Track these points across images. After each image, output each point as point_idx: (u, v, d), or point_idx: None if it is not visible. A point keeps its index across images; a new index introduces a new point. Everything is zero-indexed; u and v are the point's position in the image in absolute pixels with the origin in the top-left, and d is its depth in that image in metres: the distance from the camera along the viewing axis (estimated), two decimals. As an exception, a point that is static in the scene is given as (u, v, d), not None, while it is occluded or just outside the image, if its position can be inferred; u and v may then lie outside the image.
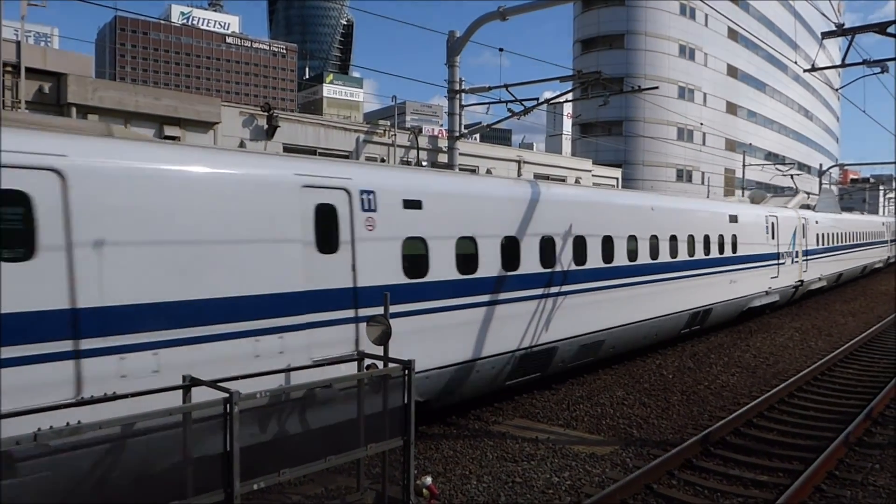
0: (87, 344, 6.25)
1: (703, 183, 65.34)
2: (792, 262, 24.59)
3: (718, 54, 73.41)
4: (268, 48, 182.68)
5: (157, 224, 6.78)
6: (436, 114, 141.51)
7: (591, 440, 10.44)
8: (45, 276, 6.03)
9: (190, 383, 6.33)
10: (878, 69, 17.40)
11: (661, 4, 65.81)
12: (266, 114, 23.84)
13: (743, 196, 37.28)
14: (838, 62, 16.56)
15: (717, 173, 69.93)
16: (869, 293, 32.27)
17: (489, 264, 10.82)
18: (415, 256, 9.54)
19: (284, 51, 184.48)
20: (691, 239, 17.27)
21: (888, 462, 9.27)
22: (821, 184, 56.71)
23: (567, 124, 65.37)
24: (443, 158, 28.90)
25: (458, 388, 10.63)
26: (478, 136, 32.45)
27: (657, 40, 66.62)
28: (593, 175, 41.77)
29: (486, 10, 18.58)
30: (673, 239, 16.42)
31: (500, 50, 23.00)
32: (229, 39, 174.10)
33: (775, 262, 22.85)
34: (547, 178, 33.65)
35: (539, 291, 11.98)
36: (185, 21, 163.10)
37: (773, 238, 22.69)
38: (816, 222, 28.15)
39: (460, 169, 23.22)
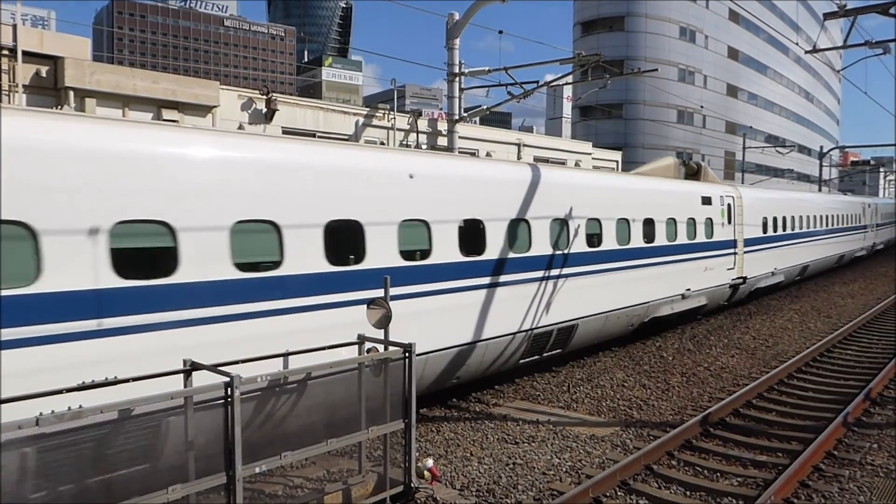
0: None
1: (703, 165, 65.10)
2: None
3: (719, 36, 72.93)
4: (266, 31, 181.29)
5: None
6: (435, 97, 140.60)
7: (591, 422, 10.50)
8: None
9: (191, 367, 6.33)
10: (881, 50, 17.26)
11: (661, -14, 65.37)
12: (265, 97, 23.73)
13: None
14: (840, 44, 16.43)
15: (718, 156, 69.72)
16: (868, 275, 32.30)
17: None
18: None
19: (283, 34, 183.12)
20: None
21: (886, 442, 9.33)
22: (821, 166, 56.57)
23: (567, 107, 65.10)
24: (442, 141, 28.82)
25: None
26: (477, 119, 32.33)
27: (657, 22, 66.17)
28: (593, 158, 41.65)
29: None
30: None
31: (500, 32, 22.86)
32: (227, 22, 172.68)
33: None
34: (547, 161, 33.55)
35: None
36: (182, 4, 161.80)
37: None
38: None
39: (460, 152, 23.14)
